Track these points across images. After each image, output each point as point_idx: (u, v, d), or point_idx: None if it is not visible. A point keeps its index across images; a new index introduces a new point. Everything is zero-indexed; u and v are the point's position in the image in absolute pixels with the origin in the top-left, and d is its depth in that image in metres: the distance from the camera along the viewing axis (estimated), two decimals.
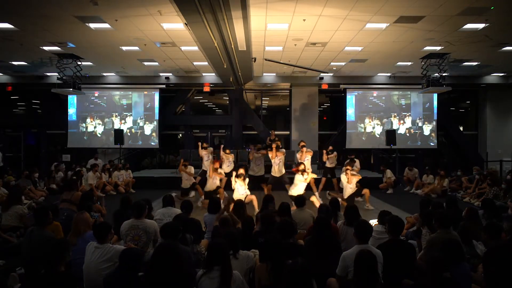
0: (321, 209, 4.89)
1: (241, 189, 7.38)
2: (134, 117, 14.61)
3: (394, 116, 14.60)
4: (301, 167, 7.79)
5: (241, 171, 7.65)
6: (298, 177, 7.77)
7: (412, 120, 14.56)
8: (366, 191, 8.19)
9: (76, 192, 6.43)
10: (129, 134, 14.41)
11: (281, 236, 3.63)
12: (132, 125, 14.60)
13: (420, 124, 14.53)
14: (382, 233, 4.11)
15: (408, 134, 14.52)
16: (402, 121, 14.57)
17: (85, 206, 5.00)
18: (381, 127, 14.56)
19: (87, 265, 3.51)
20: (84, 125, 14.60)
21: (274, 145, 8.59)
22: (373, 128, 14.64)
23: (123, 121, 14.58)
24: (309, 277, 2.77)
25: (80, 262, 3.72)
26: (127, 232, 4.11)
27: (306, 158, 8.64)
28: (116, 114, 14.64)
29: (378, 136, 14.52)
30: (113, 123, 14.54)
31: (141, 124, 14.61)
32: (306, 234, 4.62)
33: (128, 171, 11.30)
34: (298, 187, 7.71)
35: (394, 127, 14.33)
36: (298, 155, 8.94)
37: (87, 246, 3.64)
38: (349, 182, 7.88)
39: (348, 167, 8.14)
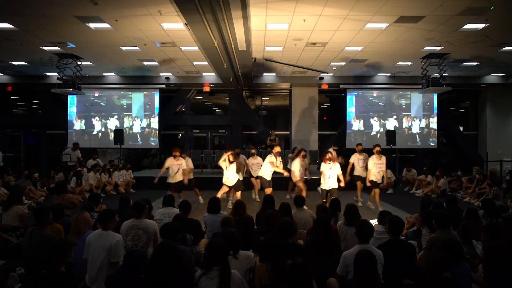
0: (320, 209, 4.89)
1: (231, 175, 7.75)
2: (134, 117, 14.61)
3: (394, 116, 14.60)
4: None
5: (231, 156, 7.91)
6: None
7: (412, 120, 14.55)
8: (376, 190, 8.19)
9: (65, 195, 6.45)
10: (130, 134, 14.41)
11: (281, 236, 3.63)
12: (132, 125, 14.59)
13: (420, 124, 14.53)
14: (382, 233, 4.11)
15: (408, 134, 14.52)
16: (402, 121, 14.58)
17: (86, 206, 5.01)
18: (381, 127, 14.56)
19: (92, 254, 3.57)
20: (84, 125, 14.61)
21: (303, 153, 8.62)
22: (373, 128, 14.64)
23: (123, 121, 14.57)
24: (309, 277, 2.77)
25: (80, 262, 3.73)
26: (127, 232, 4.11)
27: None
28: (116, 114, 14.65)
29: (378, 136, 14.51)
30: (113, 123, 14.54)
31: (141, 124, 14.61)
32: (306, 235, 4.62)
33: (129, 171, 11.31)
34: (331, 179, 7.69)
35: (394, 127, 14.33)
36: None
37: (89, 236, 3.70)
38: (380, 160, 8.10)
39: (377, 148, 8.27)
